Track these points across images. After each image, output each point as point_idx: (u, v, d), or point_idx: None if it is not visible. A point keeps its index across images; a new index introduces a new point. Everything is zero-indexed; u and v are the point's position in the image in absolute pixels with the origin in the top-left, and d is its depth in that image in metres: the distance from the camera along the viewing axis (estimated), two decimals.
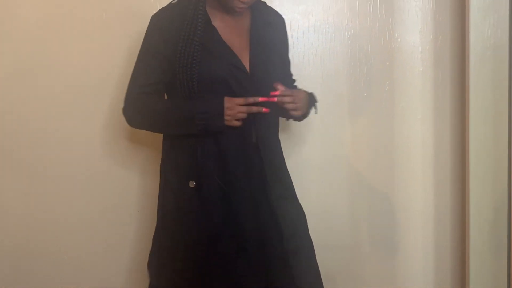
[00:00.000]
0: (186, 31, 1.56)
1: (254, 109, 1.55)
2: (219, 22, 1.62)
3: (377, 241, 2.12)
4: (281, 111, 1.62)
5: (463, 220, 2.04)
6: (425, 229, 2.12)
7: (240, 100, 1.55)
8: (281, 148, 1.71)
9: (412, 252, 2.13)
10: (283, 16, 1.77)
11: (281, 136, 1.73)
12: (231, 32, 1.63)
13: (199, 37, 1.56)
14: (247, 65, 1.60)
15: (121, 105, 1.66)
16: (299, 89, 1.71)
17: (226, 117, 1.53)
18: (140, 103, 1.63)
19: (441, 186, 2.09)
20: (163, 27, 1.61)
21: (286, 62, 1.80)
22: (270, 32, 1.68)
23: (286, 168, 1.71)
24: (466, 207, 1.99)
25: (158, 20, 1.64)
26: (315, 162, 2.09)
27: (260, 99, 1.55)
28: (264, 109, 1.55)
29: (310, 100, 1.70)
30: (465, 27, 1.92)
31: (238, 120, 1.55)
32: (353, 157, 2.09)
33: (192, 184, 1.58)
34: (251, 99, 1.55)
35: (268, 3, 1.76)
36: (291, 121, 1.74)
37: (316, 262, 1.72)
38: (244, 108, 1.54)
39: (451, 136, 2.06)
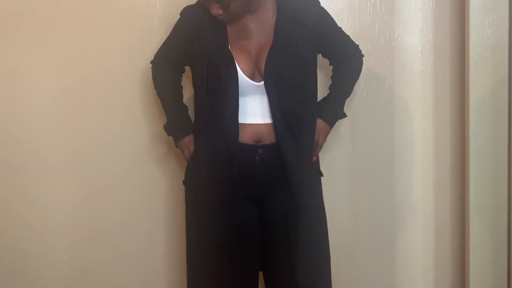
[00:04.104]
0: (199, 32, 1.60)
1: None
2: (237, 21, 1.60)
3: (377, 241, 2.12)
4: None
5: (463, 220, 2.04)
6: (425, 229, 2.12)
7: (188, 151, 1.74)
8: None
9: (412, 252, 2.13)
10: None
11: None
12: (250, 31, 1.61)
13: (208, 39, 1.59)
14: (262, 66, 1.58)
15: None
16: (321, 131, 1.76)
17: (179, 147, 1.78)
18: (159, 70, 1.80)
19: (441, 186, 2.09)
20: (187, 22, 1.66)
21: (335, 38, 1.77)
22: (295, 28, 1.60)
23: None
24: (466, 207, 1.99)
25: (185, 14, 1.68)
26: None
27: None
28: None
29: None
30: (465, 26, 1.92)
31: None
32: (353, 157, 2.09)
33: None
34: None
35: None
36: None
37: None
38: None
39: (451, 135, 2.06)
